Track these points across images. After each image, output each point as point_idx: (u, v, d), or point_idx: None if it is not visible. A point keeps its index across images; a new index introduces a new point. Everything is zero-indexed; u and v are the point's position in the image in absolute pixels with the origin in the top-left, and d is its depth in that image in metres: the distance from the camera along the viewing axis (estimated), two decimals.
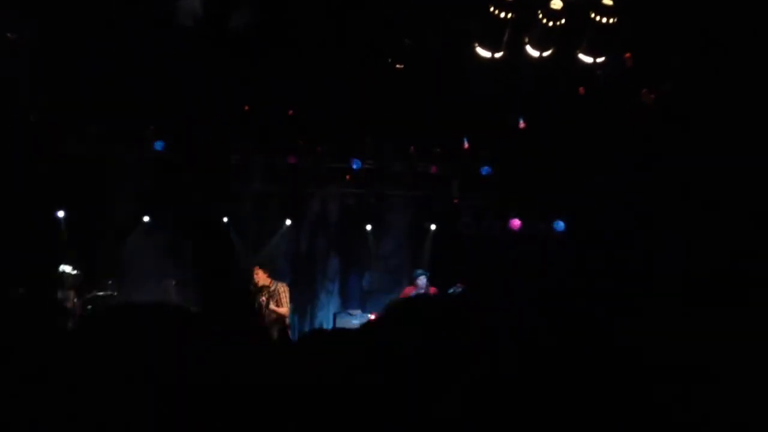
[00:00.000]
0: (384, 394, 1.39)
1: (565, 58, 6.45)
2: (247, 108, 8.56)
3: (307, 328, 8.92)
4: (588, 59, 6.42)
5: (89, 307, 7.63)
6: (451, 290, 7.90)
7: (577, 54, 6.44)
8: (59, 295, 7.53)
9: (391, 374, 1.40)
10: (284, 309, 7.25)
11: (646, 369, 1.56)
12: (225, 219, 9.20)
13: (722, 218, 6.81)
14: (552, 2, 6.12)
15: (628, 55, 6.56)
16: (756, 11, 5.78)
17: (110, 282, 8.05)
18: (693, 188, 7.06)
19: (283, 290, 7.33)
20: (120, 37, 6.76)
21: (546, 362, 1.51)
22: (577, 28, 6.29)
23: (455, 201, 9.66)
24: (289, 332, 7.64)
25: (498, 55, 6.35)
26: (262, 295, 7.27)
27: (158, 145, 8.67)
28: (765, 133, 6.10)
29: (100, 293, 7.85)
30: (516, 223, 9.50)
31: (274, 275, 7.60)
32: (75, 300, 7.57)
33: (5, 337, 1.50)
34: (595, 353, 1.58)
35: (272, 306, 7.16)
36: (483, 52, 6.39)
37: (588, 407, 1.48)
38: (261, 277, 7.34)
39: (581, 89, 7.34)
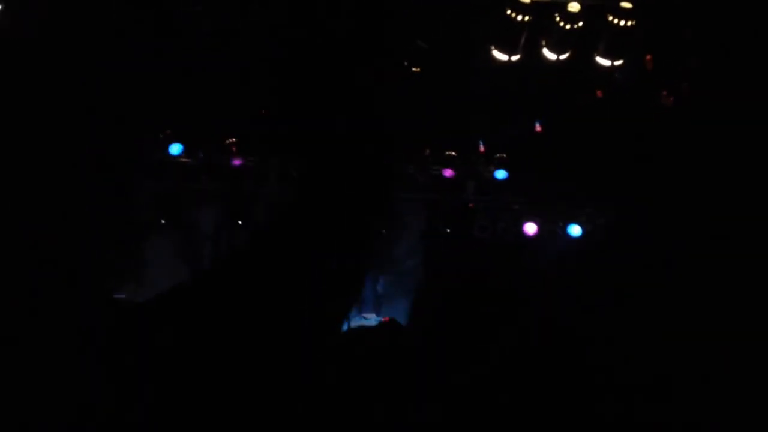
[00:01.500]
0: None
1: (582, 62, 6.41)
2: (264, 112, 8.58)
3: None
4: (606, 62, 6.38)
5: None
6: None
7: (594, 57, 6.40)
8: None
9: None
10: None
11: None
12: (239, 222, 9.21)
13: (740, 221, 6.73)
14: (569, 5, 6.09)
15: (648, 57, 6.51)
16: None
17: (126, 286, 8.09)
18: (711, 191, 6.98)
19: None
20: (134, 37, 6.80)
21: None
22: (594, 31, 6.26)
23: (470, 205, 9.63)
24: None
25: (515, 58, 6.33)
26: None
27: (175, 149, 8.71)
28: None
29: (117, 296, 7.88)
30: (531, 227, 9.45)
31: None
32: None
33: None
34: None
35: None
36: (500, 55, 6.36)
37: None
38: None
39: (599, 92, 7.29)
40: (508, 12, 6.09)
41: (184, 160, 8.89)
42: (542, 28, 6.25)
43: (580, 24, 6.11)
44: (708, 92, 6.73)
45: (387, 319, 8.08)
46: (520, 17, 6.10)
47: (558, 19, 6.11)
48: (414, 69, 6.85)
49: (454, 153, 9.47)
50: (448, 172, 9.50)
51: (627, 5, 6.06)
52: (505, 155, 9.30)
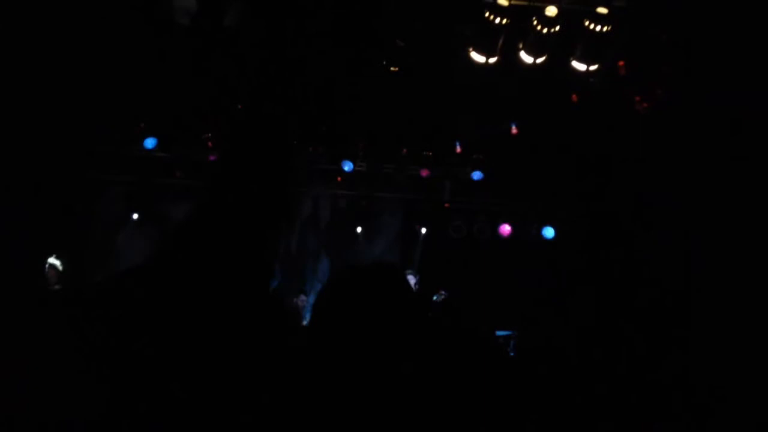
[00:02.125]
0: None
1: (559, 65, 6.48)
2: (240, 107, 8.53)
3: None
4: (582, 66, 6.46)
5: None
6: (435, 297, 7.90)
7: (571, 61, 6.47)
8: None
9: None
10: None
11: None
12: None
13: (715, 225, 6.86)
14: (547, 9, 6.15)
15: (621, 63, 6.59)
16: (750, 20, 5.83)
17: (99, 279, 7.99)
18: (687, 195, 7.11)
19: None
20: (113, 33, 6.72)
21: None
22: (571, 36, 6.32)
23: (446, 205, 9.69)
24: None
25: (492, 60, 6.37)
26: None
27: (149, 143, 8.63)
28: (760, 141, 6.16)
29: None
30: (506, 228, 9.53)
31: None
32: None
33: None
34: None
35: None
36: (477, 57, 6.40)
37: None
38: None
39: (575, 96, 7.37)
40: (487, 15, 6.12)
41: (159, 154, 8.83)
42: (520, 32, 6.29)
43: (557, 28, 6.17)
44: (681, 98, 6.85)
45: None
46: (498, 20, 6.14)
47: (535, 23, 6.16)
48: (392, 68, 6.86)
49: (430, 153, 9.54)
50: (424, 172, 9.57)
51: (603, 11, 6.13)
52: (481, 156, 9.39)
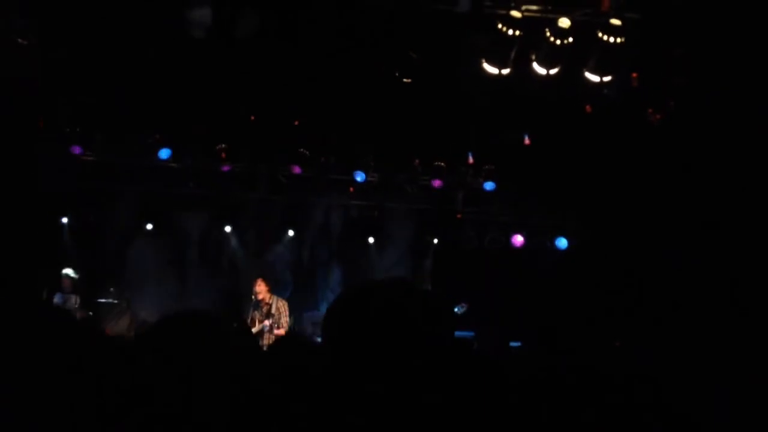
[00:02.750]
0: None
1: (572, 77, 6.47)
2: (252, 118, 8.58)
3: None
4: (595, 78, 6.45)
5: (90, 313, 7.61)
6: (456, 309, 7.90)
7: (584, 72, 6.46)
8: (59, 298, 7.53)
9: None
10: (284, 330, 7.19)
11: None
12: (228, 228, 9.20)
13: (724, 237, 6.82)
14: (560, 21, 6.15)
15: (634, 75, 6.58)
16: (760, 31, 5.82)
17: (112, 289, 8.04)
18: (697, 206, 7.07)
19: (283, 309, 7.29)
20: (128, 44, 6.79)
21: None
22: (584, 47, 6.31)
23: (458, 215, 9.67)
24: None
25: (505, 71, 6.37)
26: (259, 313, 7.21)
27: (163, 153, 8.68)
28: None
29: (102, 300, 7.83)
30: (519, 239, 9.50)
31: (275, 289, 7.58)
32: (77, 305, 7.56)
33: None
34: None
35: (275, 331, 7.09)
36: (490, 69, 6.41)
37: None
38: (262, 290, 7.31)
39: (588, 107, 7.36)
40: (500, 26, 6.14)
41: (172, 164, 8.88)
42: (533, 43, 6.29)
43: (570, 39, 6.16)
44: (694, 110, 6.83)
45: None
46: (511, 32, 6.14)
47: (548, 34, 6.16)
48: (405, 80, 6.88)
49: (443, 164, 9.54)
50: (436, 183, 9.57)
51: (617, 22, 6.13)
52: (493, 167, 9.38)
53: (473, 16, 6.30)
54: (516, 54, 6.32)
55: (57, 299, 7.46)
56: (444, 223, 9.64)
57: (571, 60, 6.37)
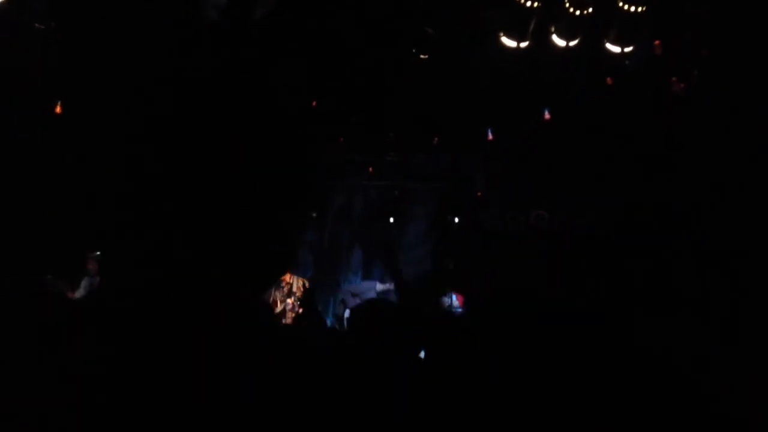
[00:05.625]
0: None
1: (592, 48, 6.35)
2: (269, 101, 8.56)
3: (329, 320, 8.94)
4: (616, 49, 6.32)
5: None
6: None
7: (604, 43, 6.34)
8: (86, 281, 7.57)
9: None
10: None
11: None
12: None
13: (747, 216, 6.66)
14: None
15: (657, 42, 6.42)
16: None
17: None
18: (720, 184, 6.92)
19: (303, 289, 7.37)
20: (141, 31, 6.78)
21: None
22: (605, 17, 6.19)
23: (479, 194, 9.60)
24: None
25: (524, 44, 6.27)
26: (280, 293, 7.27)
27: None
28: None
29: None
30: (539, 216, 9.40)
31: (295, 270, 7.64)
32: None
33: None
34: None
35: (297, 310, 7.17)
36: (508, 42, 6.31)
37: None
38: None
39: (609, 79, 7.22)
40: None
41: None
42: (552, 15, 6.18)
43: (590, 10, 6.04)
44: (718, 80, 6.66)
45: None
46: (529, 3, 6.04)
47: (568, 5, 6.04)
48: (422, 56, 6.80)
49: (462, 142, 9.45)
50: (456, 161, 9.48)
51: None
52: (514, 144, 9.27)
53: None
54: (535, 26, 6.22)
55: (85, 282, 7.52)
56: (464, 202, 9.58)
57: (592, 31, 6.25)
